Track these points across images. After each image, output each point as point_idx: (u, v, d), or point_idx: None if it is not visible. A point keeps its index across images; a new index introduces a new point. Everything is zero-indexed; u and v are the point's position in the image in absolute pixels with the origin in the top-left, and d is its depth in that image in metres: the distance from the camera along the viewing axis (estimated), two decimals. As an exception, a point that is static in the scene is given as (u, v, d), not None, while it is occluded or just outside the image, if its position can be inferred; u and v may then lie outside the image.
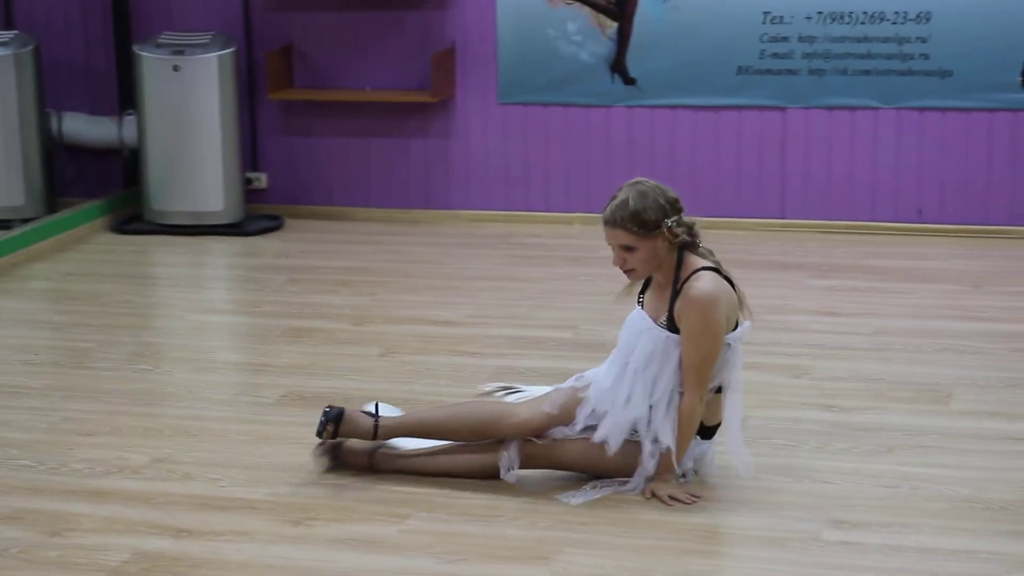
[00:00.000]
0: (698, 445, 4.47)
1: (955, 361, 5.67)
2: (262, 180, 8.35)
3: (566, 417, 4.51)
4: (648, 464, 4.38)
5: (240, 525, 4.30)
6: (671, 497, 4.33)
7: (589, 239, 7.69)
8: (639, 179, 4.46)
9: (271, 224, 8.06)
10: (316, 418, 4.69)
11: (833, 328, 6.13)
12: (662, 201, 4.36)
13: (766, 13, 7.62)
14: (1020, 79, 7.43)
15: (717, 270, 4.42)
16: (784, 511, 4.33)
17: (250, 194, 8.24)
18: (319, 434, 4.57)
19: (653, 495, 4.35)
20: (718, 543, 4.18)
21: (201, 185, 7.92)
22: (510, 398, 5.22)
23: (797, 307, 6.42)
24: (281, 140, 8.32)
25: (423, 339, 6.06)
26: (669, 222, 4.34)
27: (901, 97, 7.57)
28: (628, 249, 4.39)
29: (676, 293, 4.39)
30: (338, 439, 4.59)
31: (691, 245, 4.43)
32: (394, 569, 4.02)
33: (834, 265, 7.13)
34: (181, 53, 7.84)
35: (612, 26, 7.81)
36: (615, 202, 4.39)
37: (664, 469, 4.36)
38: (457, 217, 8.13)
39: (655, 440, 4.38)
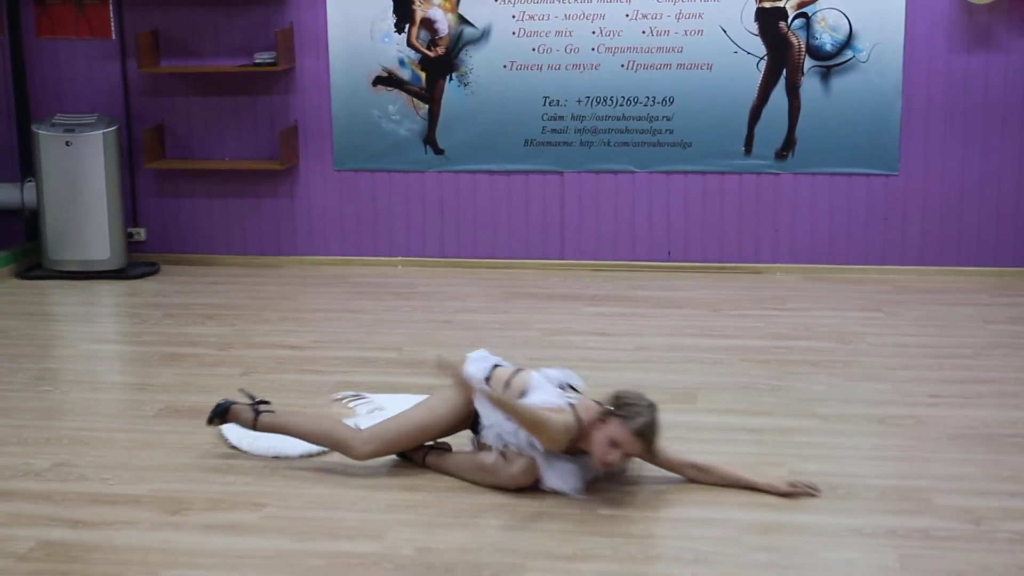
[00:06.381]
0: None
1: (699, 370, 5.77)
2: (141, 234, 8.20)
3: (402, 444, 4.48)
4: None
5: (127, 516, 4.21)
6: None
7: (409, 278, 7.70)
8: (650, 401, 4.29)
9: (149, 270, 7.92)
10: (190, 428, 4.64)
11: (604, 345, 6.19)
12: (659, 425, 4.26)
13: (545, 97, 7.70)
14: (743, 148, 7.60)
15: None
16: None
17: (131, 245, 8.09)
18: (209, 422, 4.67)
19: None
20: (517, 518, 4.18)
21: (90, 238, 7.75)
22: (360, 408, 5.18)
23: (575, 329, 6.48)
24: (157, 201, 8.18)
25: (276, 360, 5.99)
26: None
27: (652, 163, 7.70)
28: (626, 455, 4.23)
29: None
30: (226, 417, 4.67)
31: None
32: (255, 547, 3.97)
33: (604, 295, 7.22)
34: (72, 131, 7.68)
35: (424, 107, 7.82)
36: (647, 421, 4.20)
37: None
38: (302, 261, 8.07)
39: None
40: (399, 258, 7.98)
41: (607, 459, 4.19)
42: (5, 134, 8.12)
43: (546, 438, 4.20)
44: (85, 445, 4.88)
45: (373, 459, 4.51)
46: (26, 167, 8.01)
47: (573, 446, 4.25)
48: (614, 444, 4.17)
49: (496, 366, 4.57)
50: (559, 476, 4.27)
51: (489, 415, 4.32)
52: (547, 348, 6.13)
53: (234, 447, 4.79)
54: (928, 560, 3.80)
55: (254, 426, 4.60)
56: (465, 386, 4.30)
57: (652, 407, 4.27)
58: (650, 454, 4.31)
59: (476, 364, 4.54)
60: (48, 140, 7.68)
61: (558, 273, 7.73)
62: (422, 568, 3.79)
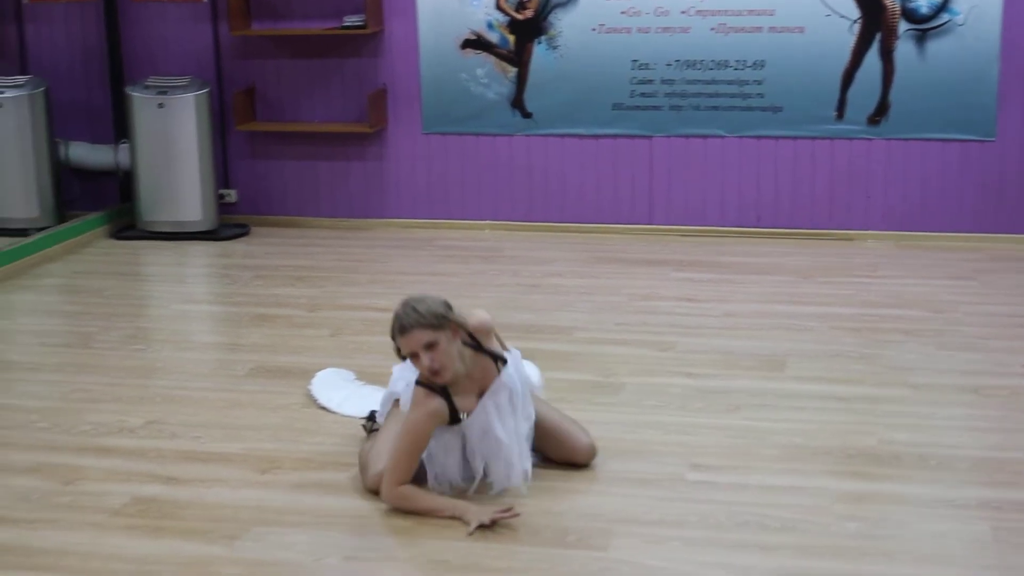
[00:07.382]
0: None
1: (788, 337, 5.71)
2: (232, 195, 8.27)
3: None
4: None
5: (218, 473, 4.27)
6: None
7: (497, 241, 7.70)
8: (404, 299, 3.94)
9: (240, 231, 7.99)
10: (280, 388, 4.69)
11: (692, 311, 6.15)
12: (437, 301, 3.90)
13: (635, 61, 7.64)
14: (835, 113, 7.49)
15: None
16: (654, 457, 4.35)
17: (222, 207, 8.16)
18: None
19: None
20: (602, 484, 4.18)
21: (183, 200, 7.83)
22: None
23: (663, 295, 6.44)
24: (247, 163, 8.24)
25: (364, 322, 6.03)
26: (451, 316, 3.89)
27: (742, 127, 7.61)
28: (431, 346, 3.83)
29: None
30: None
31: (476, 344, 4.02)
32: (344, 507, 4.00)
33: (692, 261, 7.16)
34: (165, 93, 7.75)
35: (512, 71, 7.79)
36: (403, 316, 3.85)
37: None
38: (390, 224, 8.09)
39: None
40: (487, 222, 7.98)
41: (423, 368, 3.87)
42: (100, 97, 8.23)
43: (438, 420, 3.98)
44: (177, 403, 4.94)
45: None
46: (120, 129, 8.11)
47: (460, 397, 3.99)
48: (415, 356, 3.86)
49: None
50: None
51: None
52: (634, 313, 6.11)
53: (323, 407, 4.83)
54: (1023, 533, 3.74)
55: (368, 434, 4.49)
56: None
57: (405, 302, 3.89)
58: (462, 330, 3.94)
59: (404, 382, 4.18)
60: (141, 102, 7.76)
61: (646, 238, 7.69)
62: (507, 531, 3.79)
